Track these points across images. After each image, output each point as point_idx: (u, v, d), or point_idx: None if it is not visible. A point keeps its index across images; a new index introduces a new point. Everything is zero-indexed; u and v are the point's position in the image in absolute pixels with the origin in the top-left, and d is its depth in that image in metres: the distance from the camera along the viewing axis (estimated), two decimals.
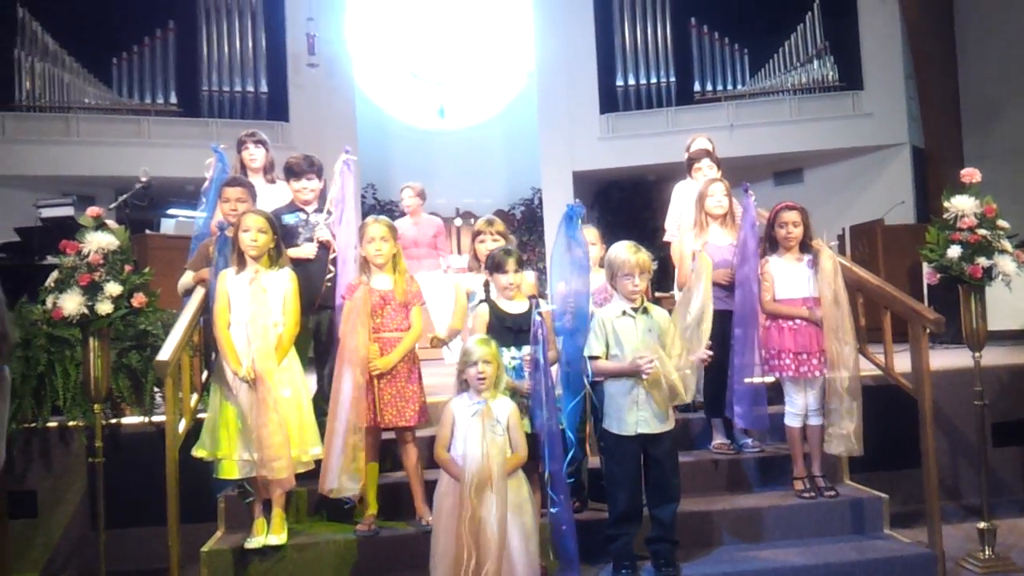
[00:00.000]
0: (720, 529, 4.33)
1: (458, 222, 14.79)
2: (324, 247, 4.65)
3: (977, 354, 4.45)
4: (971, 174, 4.40)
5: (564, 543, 3.66)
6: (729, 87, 13.61)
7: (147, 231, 9.00)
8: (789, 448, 4.65)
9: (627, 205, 14.18)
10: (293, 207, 4.80)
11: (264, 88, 13.21)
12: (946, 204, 4.39)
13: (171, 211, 11.33)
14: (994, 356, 5.78)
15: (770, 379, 4.69)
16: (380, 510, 4.29)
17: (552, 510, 3.66)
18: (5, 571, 4.29)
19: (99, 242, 3.88)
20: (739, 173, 11.46)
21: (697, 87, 13.68)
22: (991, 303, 4.63)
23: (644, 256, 3.98)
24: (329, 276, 4.57)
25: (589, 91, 13.75)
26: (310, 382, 4.49)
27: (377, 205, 14.59)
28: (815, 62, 13.27)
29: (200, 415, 4.35)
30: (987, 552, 4.32)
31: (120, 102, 12.54)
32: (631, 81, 13.77)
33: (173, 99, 12.80)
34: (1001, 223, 4.35)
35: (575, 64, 13.75)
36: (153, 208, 9.92)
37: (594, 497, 4.33)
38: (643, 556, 3.97)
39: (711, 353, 4.05)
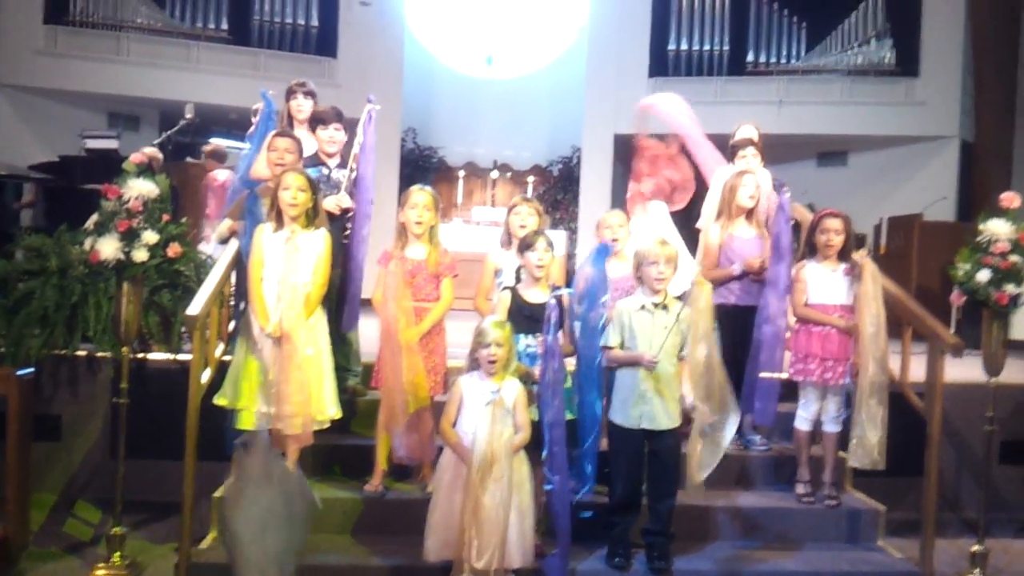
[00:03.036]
0: (717, 525, 4.41)
1: (495, 174, 14.77)
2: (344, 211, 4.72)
3: (993, 381, 4.45)
4: (1011, 199, 4.36)
5: (559, 524, 3.75)
6: (783, 61, 13.37)
7: (188, 159, 9.08)
8: (794, 450, 4.70)
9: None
10: (315, 160, 4.82)
11: (315, 22, 13.20)
12: (981, 227, 4.35)
13: (213, 139, 11.42)
14: (1013, 371, 5.73)
15: (783, 375, 4.72)
16: (390, 471, 4.40)
17: (547, 487, 3.75)
18: (26, 491, 4.46)
19: (140, 189, 3.95)
20: (783, 151, 11.39)
21: (750, 57, 13.45)
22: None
23: (671, 250, 4.02)
24: (346, 233, 4.64)
25: (640, 52, 13.54)
26: None
27: (416, 149, 14.58)
28: (873, 43, 13.00)
29: (226, 357, 4.47)
30: (977, 574, 4.37)
31: (172, 24, 12.58)
32: (683, 46, 13.56)
33: (224, 25, 12.82)
34: None
35: (628, 22, 13.53)
36: (196, 134, 10.01)
37: (600, 480, 4.40)
38: (639, 545, 4.07)
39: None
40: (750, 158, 5.37)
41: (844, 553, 4.33)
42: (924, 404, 4.44)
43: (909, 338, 4.67)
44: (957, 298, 4.41)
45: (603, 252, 4.02)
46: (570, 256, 12.29)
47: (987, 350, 4.44)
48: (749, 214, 4.92)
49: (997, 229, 4.30)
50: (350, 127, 4.84)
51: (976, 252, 4.37)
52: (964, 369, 5.40)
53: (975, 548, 4.39)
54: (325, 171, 4.79)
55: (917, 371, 4.65)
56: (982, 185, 12.17)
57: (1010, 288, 4.24)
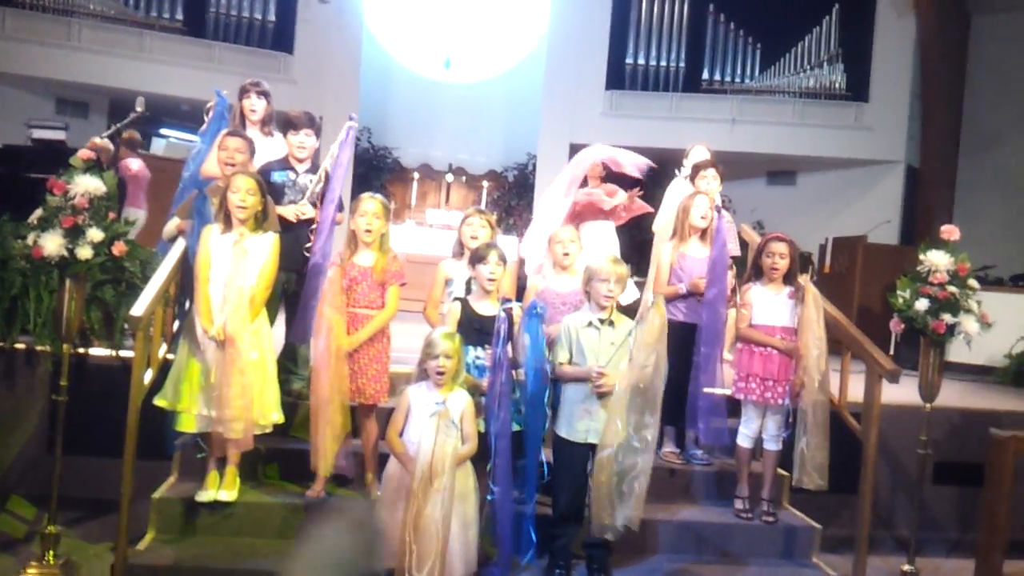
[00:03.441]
0: (657, 538, 4.46)
1: (449, 178, 14.75)
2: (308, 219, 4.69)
3: (928, 406, 4.58)
4: (950, 231, 4.49)
5: (501, 534, 3.79)
6: (737, 80, 13.63)
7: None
8: (735, 466, 4.78)
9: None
10: (284, 164, 4.78)
11: (272, 17, 13.09)
12: (921, 257, 4.48)
13: (164, 131, 11.27)
14: (949, 393, 5.89)
15: (726, 392, 4.80)
16: (332, 476, 4.37)
17: (489, 498, 3.79)
18: None
19: (87, 186, 3.87)
20: (734, 169, 11.55)
21: (705, 75, 13.69)
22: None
23: (623, 269, 4.07)
24: (307, 245, 4.61)
25: (597, 64, 13.71)
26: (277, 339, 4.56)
27: (371, 149, 14.49)
28: (825, 67, 13.31)
29: (169, 356, 4.41)
30: None
31: (125, 12, 12.37)
32: (640, 60, 13.76)
33: (179, 16, 12.64)
34: (972, 283, 4.45)
35: (587, 34, 13.68)
36: (146, 125, 9.86)
37: (543, 491, 4.42)
38: (579, 556, 4.11)
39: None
40: (710, 179, 5.46)
41: (779, 569, 4.43)
42: (861, 426, 4.56)
43: (848, 361, 4.79)
44: (896, 325, 4.54)
45: (534, 317, 3.96)
46: (522, 263, 12.31)
47: (923, 377, 4.58)
48: (703, 234, 4.99)
49: (937, 260, 4.44)
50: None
51: (916, 281, 4.50)
52: (901, 390, 5.54)
53: (905, 567, 4.53)
54: (292, 176, 4.75)
55: (855, 389, 4.77)
56: (925, 210, 12.52)
57: (947, 317, 4.37)
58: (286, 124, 4.81)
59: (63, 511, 4.19)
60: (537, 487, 4.29)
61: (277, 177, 4.70)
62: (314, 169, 4.78)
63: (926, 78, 12.82)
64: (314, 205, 4.68)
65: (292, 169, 4.76)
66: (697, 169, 5.57)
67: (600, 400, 3.90)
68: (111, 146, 7.15)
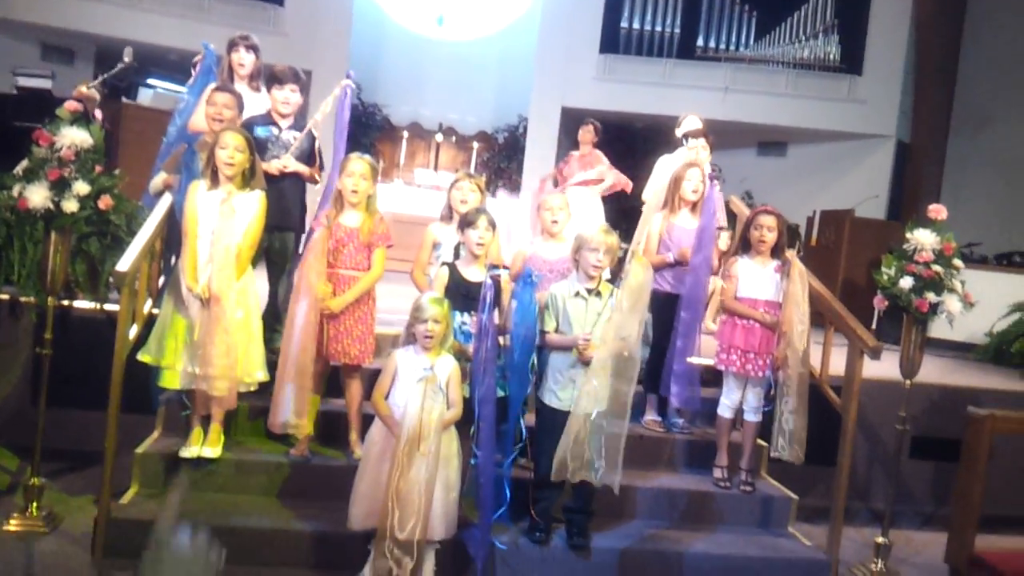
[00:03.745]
0: (636, 504, 4.51)
1: (439, 137, 14.62)
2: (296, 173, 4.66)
3: (908, 382, 4.62)
4: (937, 211, 4.51)
5: (482, 498, 3.83)
6: (731, 48, 13.54)
7: (123, 99, 8.79)
8: (715, 435, 4.83)
9: (609, 149, 14.08)
10: (267, 119, 4.73)
11: None
12: (908, 235, 4.50)
13: (151, 80, 11.09)
14: (931, 370, 5.96)
15: (708, 362, 4.84)
16: (316, 435, 4.39)
17: (472, 462, 3.85)
18: None
19: (73, 138, 3.83)
20: (725, 138, 11.58)
21: (700, 42, 13.58)
22: None
23: (614, 239, 4.06)
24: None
25: (592, 27, 13.58)
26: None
27: (360, 105, 14.34)
28: (820, 38, 13.21)
29: (154, 311, 4.40)
30: (879, 565, 4.57)
31: None
32: (635, 25, 13.63)
33: None
34: (956, 262, 4.47)
35: None
36: (133, 74, 9.70)
37: (525, 454, 4.45)
38: (559, 520, 4.16)
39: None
40: (700, 150, 5.46)
41: (755, 537, 4.49)
42: (841, 400, 4.60)
43: (831, 335, 4.82)
44: (880, 302, 4.57)
45: (528, 285, 3.96)
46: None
47: (904, 353, 4.62)
48: (693, 206, 4.99)
49: (923, 239, 4.46)
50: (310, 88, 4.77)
51: (901, 259, 4.52)
52: (881, 365, 5.58)
53: (879, 539, 4.60)
54: (275, 131, 4.71)
55: (836, 363, 4.80)
56: (914, 185, 12.56)
57: (931, 296, 4.40)
58: (270, 78, 4.75)
59: (46, 463, 4.21)
60: (520, 451, 4.35)
61: (260, 132, 4.64)
62: (298, 125, 4.74)
63: (920, 54, 12.77)
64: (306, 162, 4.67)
65: (275, 124, 4.72)
66: (687, 138, 5.61)
67: (585, 368, 3.92)
68: (97, 96, 7.05)
